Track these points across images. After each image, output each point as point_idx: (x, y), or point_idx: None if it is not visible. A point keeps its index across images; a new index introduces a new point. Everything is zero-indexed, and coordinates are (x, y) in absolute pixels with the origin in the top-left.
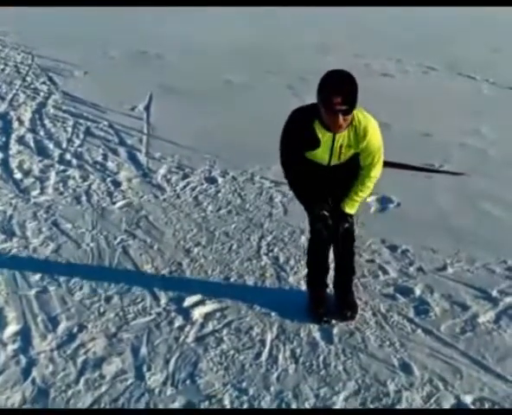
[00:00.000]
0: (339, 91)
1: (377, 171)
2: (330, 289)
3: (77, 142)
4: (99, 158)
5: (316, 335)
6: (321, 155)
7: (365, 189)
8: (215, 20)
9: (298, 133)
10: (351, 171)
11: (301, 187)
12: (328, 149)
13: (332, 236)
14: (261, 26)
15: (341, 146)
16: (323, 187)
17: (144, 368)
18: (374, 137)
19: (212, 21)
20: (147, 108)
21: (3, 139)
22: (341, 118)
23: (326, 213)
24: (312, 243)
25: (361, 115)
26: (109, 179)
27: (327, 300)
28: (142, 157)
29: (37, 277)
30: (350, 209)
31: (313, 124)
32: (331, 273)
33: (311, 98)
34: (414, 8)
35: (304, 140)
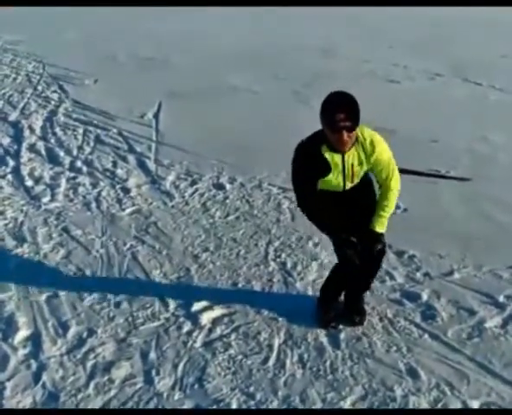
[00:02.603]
0: (341, 108)
1: (397, 182)
2: None
3: (87, 149)
4: (109, 165)
5: (324, 340)
6: (335, 180)
7: (390, 204)
8: (218, 21)
9: (308, 164)
10: (366, 191)
11: (323, 219)
12: (340, 171)
13: (362, 261)
14: (264, 28)
15: (352, 165)
16: (343, 214)
17: (153, 373)
18: (382, 148)
19: (215, 22)
20: (156, 116)
21: (15, 147)
22: (345, 134)
23: (354, 239)
24: (342, 269)
25: (364, 130)
26: (118, 186)
27: (336, 307)
28: (151, 164)
29: (48, 282)
30: (380, 228)
31: (321, 150)
32: None
33: (317, 103)
34: (417, 8)
35: (315, 169)
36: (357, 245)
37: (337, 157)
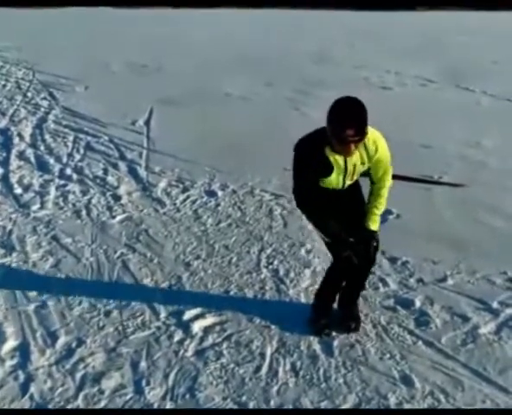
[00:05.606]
0: (351, 124)
1: (389, 179)
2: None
3: (77, 156)
4: (100, 173)
5: (317, 347)
6: (336, 179)
7: (383, 200)
8: (214, 25)
9: (311, 164)
10: (356, 185)
11: (322, 218)
12: (341, 171)
13: (359, 259)
14: (261, 32)
15: (354, 165)
16: (339, 212)
17: (144, 383)
18: (383, 147)
19: (211, 25)
20: (147, 122)
21: (4, 154)
22: (353, 146)
23: (351, 239)
24: (340, 270)
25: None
26: (109, 193)
27: (330, 314)
28: (142, 171)
29: (36, 291)
30: (374, 225)
31: (324, 151)
32: None
33: (310, 110)
34: (414, 12)
35: (318, 170)
36: (353, 244)
37: (340, 159)
